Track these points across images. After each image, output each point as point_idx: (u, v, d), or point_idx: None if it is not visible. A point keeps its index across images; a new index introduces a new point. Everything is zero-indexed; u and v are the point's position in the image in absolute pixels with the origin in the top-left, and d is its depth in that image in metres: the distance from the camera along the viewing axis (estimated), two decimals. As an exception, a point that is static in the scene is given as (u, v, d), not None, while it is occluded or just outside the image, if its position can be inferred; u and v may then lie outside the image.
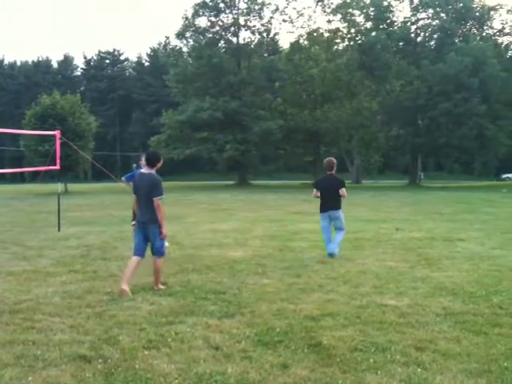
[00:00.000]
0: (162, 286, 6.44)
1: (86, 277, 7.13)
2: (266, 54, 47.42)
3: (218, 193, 30.66)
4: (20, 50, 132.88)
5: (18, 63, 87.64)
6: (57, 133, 11.72)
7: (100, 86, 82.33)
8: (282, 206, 20.80)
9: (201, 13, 44.31)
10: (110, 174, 15.11)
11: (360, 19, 46.51)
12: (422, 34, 47.41)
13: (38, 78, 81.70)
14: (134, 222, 7.94)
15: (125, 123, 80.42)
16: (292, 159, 50.55)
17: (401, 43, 46.55)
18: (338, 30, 45.77)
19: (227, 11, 44.92)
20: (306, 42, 46.15)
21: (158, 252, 6.45)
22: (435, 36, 46.41)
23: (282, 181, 52.79)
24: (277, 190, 35.29)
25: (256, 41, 46.35)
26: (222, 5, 44.40)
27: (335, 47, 46.89)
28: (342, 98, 45.18)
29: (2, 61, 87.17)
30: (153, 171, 6.40)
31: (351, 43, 46.20)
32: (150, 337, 4.58)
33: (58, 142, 11.39)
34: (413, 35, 47.04)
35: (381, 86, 43.87)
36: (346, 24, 45.43)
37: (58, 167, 12.57)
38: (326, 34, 46.09)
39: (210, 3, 43.99)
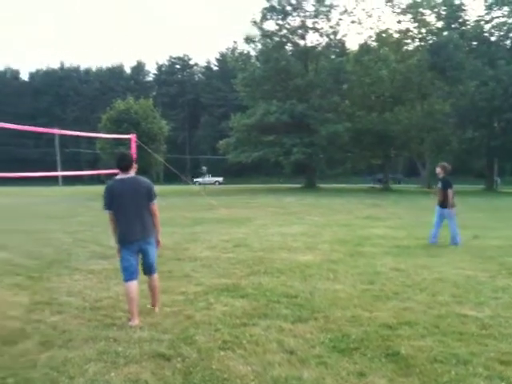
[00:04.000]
0: (157, 309, 5.55)
1: (162, 277, 7.24)
2: (333, 56, 46.90)
3: (284, 196, 30.62)
4: (95, 57, 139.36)
5: (94, 69, 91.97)
6: (133, 137, 12.16)
7: (171, 91, 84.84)
8: (351, 210, 20.49)
9: (268, 16, 44.54)
10: (183, 177, 15.42)
11: (431, 19, 45.16)
12: (497, 32, 45.26)
13: (112, 83, 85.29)
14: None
15: (194, 127, 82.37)
16: (360, 162, 49.68)
17: (474, 43, 44.65)
18: (408, 30, 44.68)
19: (294, 14, 44.85)
20: (374, 43, 45.33)
21: (155, 268, 5.53)
22: (511, 35, 44.20)
23: (349, 184, 52.04)
24: (344, 193, 34.78)
25: (324, 43, 46.06)
26: (289, 8, 44.41)
27: (405, 48, 45.72)
28: (412, 100, 44.01)
29: (78, 67, 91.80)
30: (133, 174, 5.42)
31: (422, 43, 44.90)
32: (225, 338, 4.65)
33: (133, 146, 11.82)
34: (487, 34, 45.01)
35: (453, 87, 42.31)
36: (416, 24, 44.29)
37: (134, 169, 12.99)
38: (396, 35, 45.13)
39: (278, 7, 44.15)
